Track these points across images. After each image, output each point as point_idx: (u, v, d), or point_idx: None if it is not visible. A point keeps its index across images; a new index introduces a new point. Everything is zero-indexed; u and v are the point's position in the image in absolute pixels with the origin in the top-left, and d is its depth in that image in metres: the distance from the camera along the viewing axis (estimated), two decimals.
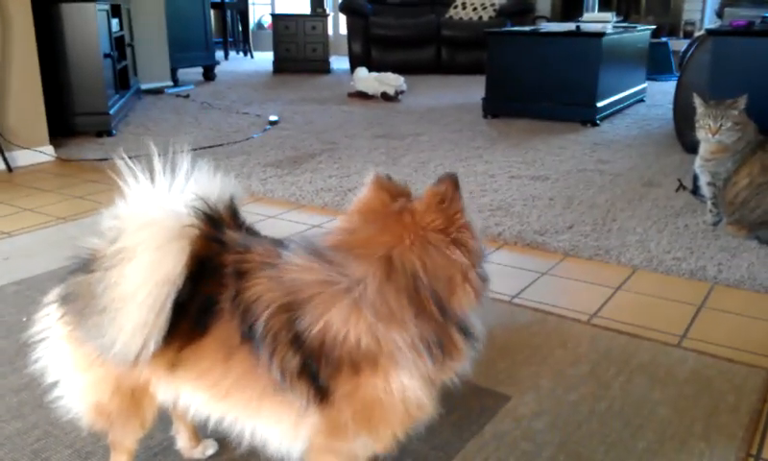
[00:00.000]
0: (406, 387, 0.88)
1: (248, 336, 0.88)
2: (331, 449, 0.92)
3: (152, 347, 0.89)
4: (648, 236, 2.27)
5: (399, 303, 0.85)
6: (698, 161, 2.39)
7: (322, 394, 0.88)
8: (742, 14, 3.68)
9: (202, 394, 0.95)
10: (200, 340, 0.91)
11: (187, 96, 5.62)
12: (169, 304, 0.88)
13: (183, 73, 6.55)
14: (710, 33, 2.97)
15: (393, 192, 0.93)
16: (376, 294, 0.85)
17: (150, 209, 0.94)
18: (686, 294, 1.88)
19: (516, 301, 1.85)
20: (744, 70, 2.63)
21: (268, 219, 2.53)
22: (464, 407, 1.32)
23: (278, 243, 0.97)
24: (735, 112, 2.24)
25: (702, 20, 7.53)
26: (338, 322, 0.86)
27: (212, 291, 0.91)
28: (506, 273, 2.04)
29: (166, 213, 0.92)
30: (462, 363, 0.92)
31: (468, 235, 0.90)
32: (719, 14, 4.29)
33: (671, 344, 1.61)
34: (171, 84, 6.00)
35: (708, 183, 2.35)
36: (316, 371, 0.87)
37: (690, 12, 7.63)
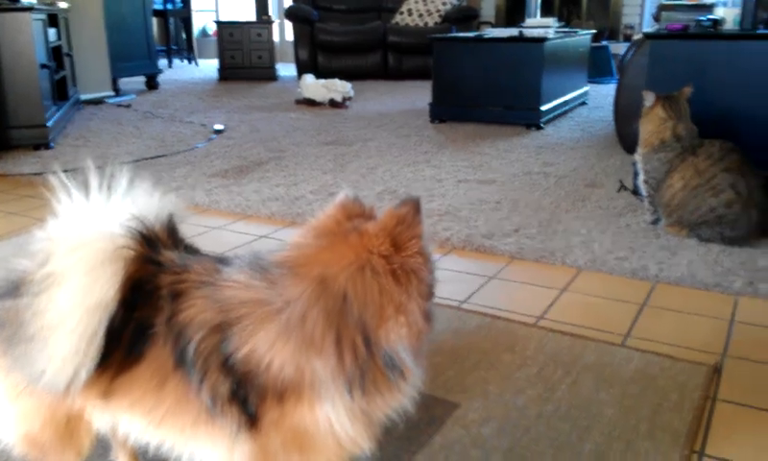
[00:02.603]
0: (332, 420, 0.82)
1: (180, 361, 0.84)
2: None
3: (83, 376, 0.85)
4: (591, 237, 2.31)
5: (321, 328, 0.79)
6: (634, 156, 2.50)
7: (252, 420, 0.84)
8: (678, 18, 3.80)
9: (137, 421, 0.91)
10: (133, 367, 0.87)
11: (129, 106, 5.49)
12: (101, 331, 0.84)
13: (125, 82, 6.41)
14: (648, 36, 3.05)
15: (352, 212, 0.88)
16: (301, 316, 0.80)
17: (82, 230, 0.89)
18: (629, 293, 1.91)
19: (464, 306, 1.85)
20: (681, 72, 2.70)
21: (213, 230, 2.48)
22: (412, 417, 1.31)
23: (220, 260, 0.92)
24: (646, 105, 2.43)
25: (640, 24, 7.75)
26: (263, 346, 0.81)
27: (147, 315, 0.87)
28: (454, 278, 2.04)
29: (99, 234, 0.88)
30: (396, 399, 0.86)
31: (416, 265, 0.83)
32: (656, 18, 4.42)
33: (616, 343, 1.63)
34: (112, 93, 5.85)
35: (644, 181, 2.42)
36: (245, 396, 0.83)
37: (629, 15, 7.85)
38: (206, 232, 2.44)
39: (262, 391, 0.82)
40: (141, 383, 0.87)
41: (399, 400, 0.87)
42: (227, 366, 0.82)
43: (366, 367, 0.81)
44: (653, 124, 2.39)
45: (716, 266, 2.04)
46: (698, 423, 1.31)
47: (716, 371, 1.50)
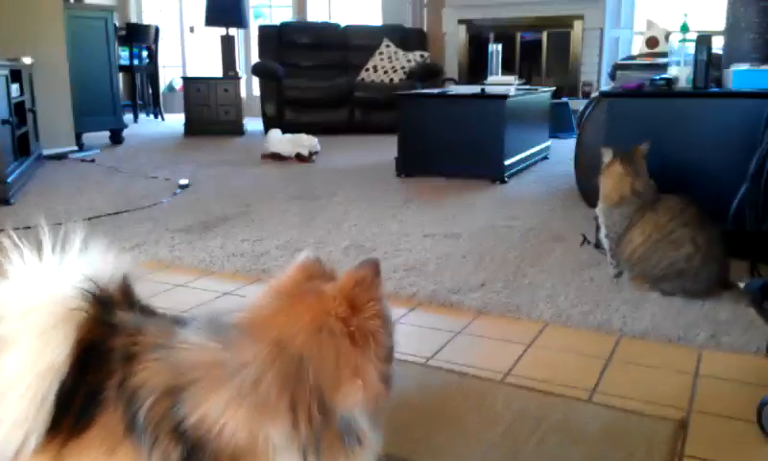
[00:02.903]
0: None
1: (131, 427, 0.81)
2: None
3: (33, 442, 0.82)
4: (557, 291, 2.33)
5: (276, 392, 0.78)
6: (596, 210, 2.58)
7: None
8: (632, 77, 3.93)
9: None
10: (84, 433, 0.84)
11: (93, 161, 5.44)
12: (52, 396, 0.82)
13: (90, 137, 6.36)
14: (604, 95, 3.14)
15: (312, 273, 0.88)
16: (255, 379, 0.78)
17: (33, 292, 0.88)
18: (595, 347, 1.92)
19: (430, 362, 1.83)
20: (637, 129, 2.79)
21: (176, 288, 2.44)
22: None
23: (176, 321, 0.91)
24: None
25: (598, 81, 8.01)
26: (216, 411, 0.78)
27: (99, 379, 0.85)
28: (420, 334, 2.03)
29: (51, 297, 0.87)
30: None
31: (375, 327, 0.83)
32: (612, 76, 4.57)
33: (582, 399, 1.63)
34: (76, 148, 5.80)
35: (605, 236, 2.48)
36: None
37: (587, 73, 8.11)
38: (169, 289, 2.40)
39: (215, 457, 0.79)
40: (91, 450, 0.84)
41: None
42: (178, 431, 0.79)
43: (321, 432, 0.80)
44: (612, 180, 2.45)
45: (679, 319, 2.07)
46: None
47: (682, 426, 1.50)
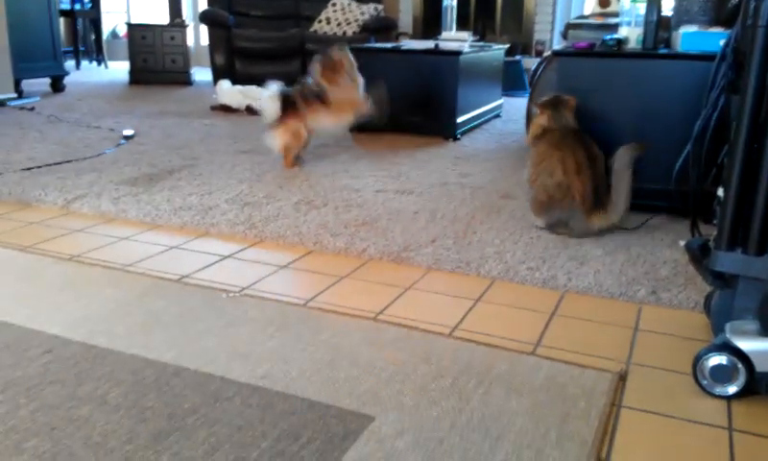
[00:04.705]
0: None
1: None
2: None
3: None
4: (505, 248, 2.36)
5: None
6: None
7: None
8: (584, 36, 3.95)
9: None
10: None
11: (32, 109, 5.21)
12: None
13: (29, 84, 6.09)
14: (556, 54, 3.16)
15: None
16: None
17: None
18: (540, 302, 1.96)
19: (380, 317, 1.84)
20: (586, 87, 2.82)
21: (121, 241, 2.37)
22: (326, 432, 1.29)
23: None
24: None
25: (551, 40, 8.04)
26: None
27: None
28: (370, 289, 2.03)
29: None
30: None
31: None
32: (564, 35, 4.59)
33: (526, 352, 1.67)
34: (14, 95, 5.55)
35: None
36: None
37: (540, 32, 8.13)
38: (114, 243, 2.34)
39: None
40: None
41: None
42: None
43: None
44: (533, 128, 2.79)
45: (621, 276, 2.12)
46: (604, 430, 1.35)
47: (621, 378, 1.55)
